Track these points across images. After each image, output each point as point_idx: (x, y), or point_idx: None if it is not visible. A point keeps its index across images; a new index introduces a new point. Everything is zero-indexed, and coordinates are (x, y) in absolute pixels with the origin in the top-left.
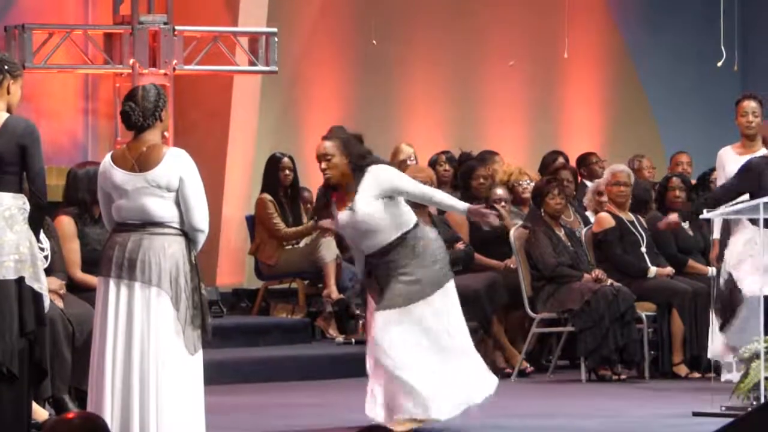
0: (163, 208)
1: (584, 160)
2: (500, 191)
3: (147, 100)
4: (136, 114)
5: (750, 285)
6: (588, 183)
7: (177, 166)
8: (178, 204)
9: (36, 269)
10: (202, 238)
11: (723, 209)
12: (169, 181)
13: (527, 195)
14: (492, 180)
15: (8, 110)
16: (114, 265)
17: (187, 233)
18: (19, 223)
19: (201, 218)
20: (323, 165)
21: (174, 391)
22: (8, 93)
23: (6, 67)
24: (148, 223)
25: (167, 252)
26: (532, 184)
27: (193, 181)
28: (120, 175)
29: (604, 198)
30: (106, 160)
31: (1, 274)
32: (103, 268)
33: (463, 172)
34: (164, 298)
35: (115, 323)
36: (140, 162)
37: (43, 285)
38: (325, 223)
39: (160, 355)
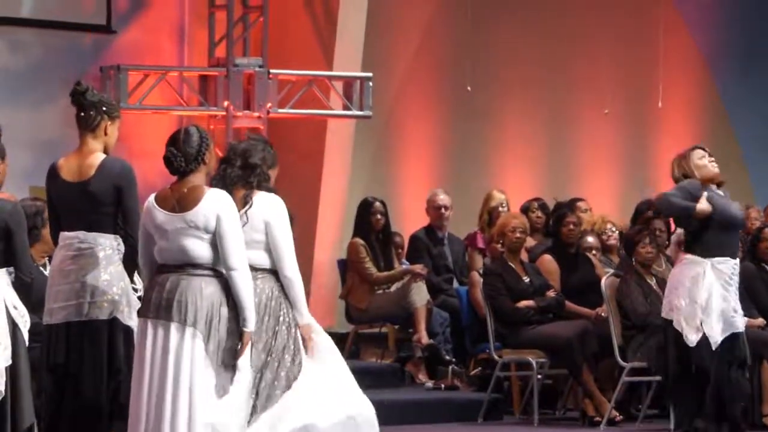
0: (201, 249)
1: None
2: (591, 239)
3: (189, 145)
4: (178, 160)
5: None
6: None
7: (215, 206)
8: (215, 246)
9: (131, 309)
10: (237, 277)
11: None
12: (207, 222)
13: (613, 242)
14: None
15: (105, 151)
16: (152, 305)
17: (224, 275)
18: (114, 263)
19: (236, 257)
20: None
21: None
22: (105, 134)
23: (104, 108)
24: (187, 265)
25: (204, 293)
26: (617, 231)
27: (231, 221)
28: (161, 216)
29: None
30: (150, 200)
31: (94, 314)
32: (142, 309)
33: (554, 220)
34: (198, 338)
35: (152, 363)
36: (180, 203)
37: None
38: (417, 267)
39: (193, 395)
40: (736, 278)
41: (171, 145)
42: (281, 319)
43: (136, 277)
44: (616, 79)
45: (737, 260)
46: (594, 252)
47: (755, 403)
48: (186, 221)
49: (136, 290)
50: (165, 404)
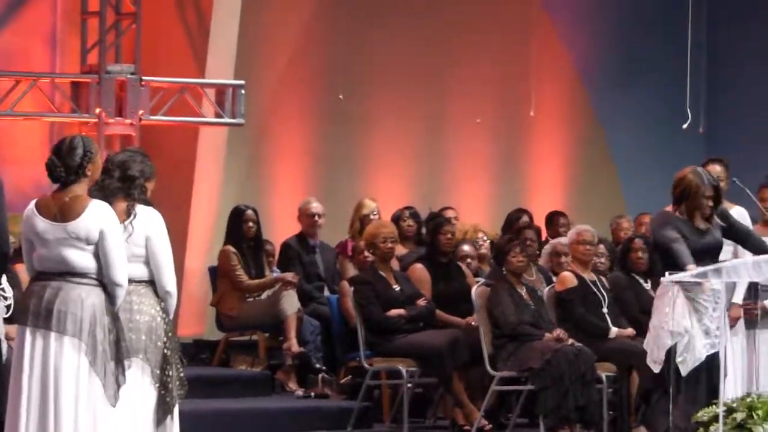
0: (82, 259)
1: (552, 219)
2: (467, 248)
3: (71, 158)
4: (58, 171)
5: None
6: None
7: (98, 219)
8: (97, 256)
9: None
10: (120, 293)
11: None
12: (89, 234)
13: (484, 251)
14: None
15: None
16: (31, 314)
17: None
18: None
19: (119, 273)
20: None
21: None
22: None
23: None
24: (66, 273)
25: (85, 302)
26: (488, 240)
27: (114, 235)
28: (41, 224)
29: (563, 258)
30: (30, 207)
31: None
32: (20, 317)
33: (431, 229)
34: (79, 348)
35: (30, 373)
36: (62, 212)
37: (1, 332)
38: (288, 275)
39: (78, 406)
40: None
41: (54, 153)
42: (169, 335)
43: (5, 284)
44: (488, 88)
45: None
46: (470, 260)
47: (624, 413)
48: (67, 232)
49: (5, 297)
50: (48, 416)
